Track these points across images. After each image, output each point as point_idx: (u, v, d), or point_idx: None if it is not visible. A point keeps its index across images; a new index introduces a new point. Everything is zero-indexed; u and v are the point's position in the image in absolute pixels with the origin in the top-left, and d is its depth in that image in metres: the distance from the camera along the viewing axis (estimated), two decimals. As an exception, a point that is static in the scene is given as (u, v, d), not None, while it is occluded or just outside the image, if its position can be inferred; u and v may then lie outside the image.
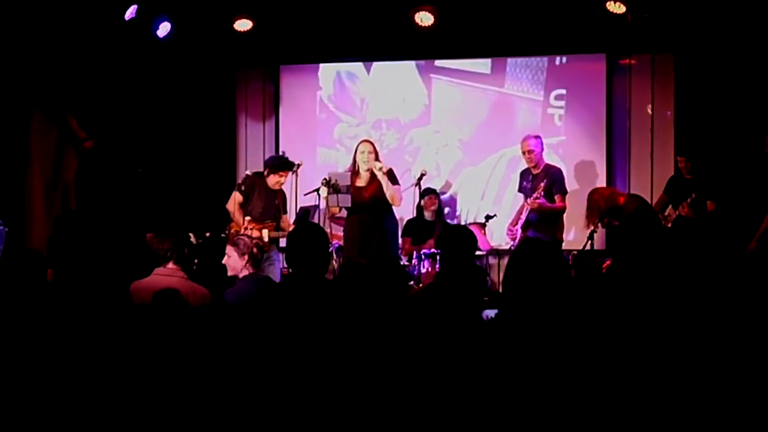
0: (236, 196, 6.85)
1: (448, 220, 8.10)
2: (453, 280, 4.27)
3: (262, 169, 7.03)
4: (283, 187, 6.91)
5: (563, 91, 8.06)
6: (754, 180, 6.65)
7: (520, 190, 7.09)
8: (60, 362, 2.94)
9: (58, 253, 6.30)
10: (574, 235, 7.53)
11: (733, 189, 6.56)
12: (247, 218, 6.79)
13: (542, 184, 6.66)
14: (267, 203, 6.86)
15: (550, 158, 7.21)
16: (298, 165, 6.99)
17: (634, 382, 2.63)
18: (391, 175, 6.66)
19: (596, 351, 2.70)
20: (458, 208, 8.38)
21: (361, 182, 6.71)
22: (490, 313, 3.29)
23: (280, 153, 7.11)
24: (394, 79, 8.50)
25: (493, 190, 8.19)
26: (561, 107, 8.08)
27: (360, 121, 8.55)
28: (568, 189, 6.99)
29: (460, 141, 8.34)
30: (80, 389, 2.83)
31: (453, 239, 4.46)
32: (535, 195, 6.65)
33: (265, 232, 6.71)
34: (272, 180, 6.84)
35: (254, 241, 5.31)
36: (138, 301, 4.46)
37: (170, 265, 4.74)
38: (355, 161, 6.76)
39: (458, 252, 4.40)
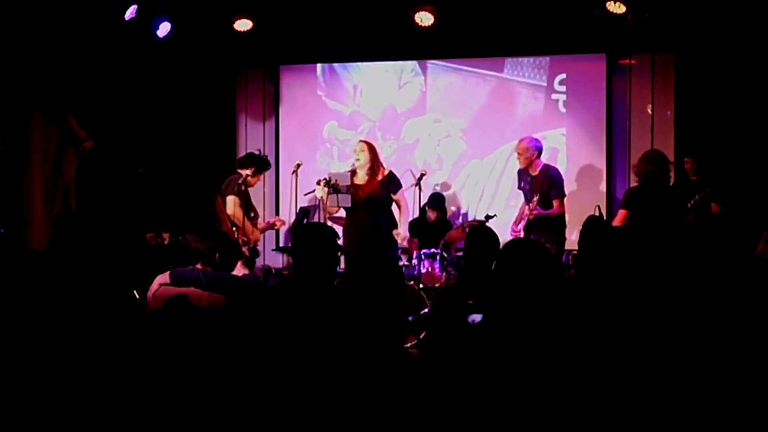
0: (236, 200, 6.82)
1: (455, 219, 8.09)
2: (475, 281, 4.25)
3: (240, 168, 7.09)
4: (281, 187, 7.02)
5: (564, 76, 8.05)
6: (756, 181, 6.65)
7: (519, 188, 7.07)
8: (60, 362, 2.94)
9: (59, 253, 6.30)
10: (576, 235, 7.52)
11: (737, 190, 6.55)
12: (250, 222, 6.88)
13: (536, 198, 6.60)
14: (250, 204, 7.03)
15: (552, 151, 7.19)
16: (298, 165, 7.01)
17: (625, 385, 2.63)
18: (392, 178, 6.67)
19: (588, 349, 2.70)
20: (464, 204, 8.32)
21: (358, 180, 6.70)
22: (476, 317, 3.28)
23: (257, 151, 7.26)
24: (388, 65, 8.46)
25: (508, 184, 8.05)
26: (565, 92, 8.05)
27: (353, 110, 8.52)
28: (567, 190, 6.97)
29: (462, 131, 8.27)
30: (80, 389, 2.83)
31: (476, 240, 4.44)
32: (530, 207, 6.61)
33: (257, 232, 6.88)
34: (255, 180, 7.08)
35: (243, 240, 5.34)
36: (162, 294, 4.54)
37: (198, 266, 4.87)
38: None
39: (481, 253, 4.38)
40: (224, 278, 4.80)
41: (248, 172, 6.99)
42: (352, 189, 6.64)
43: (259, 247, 8.31)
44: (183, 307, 3.66)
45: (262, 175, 7.20)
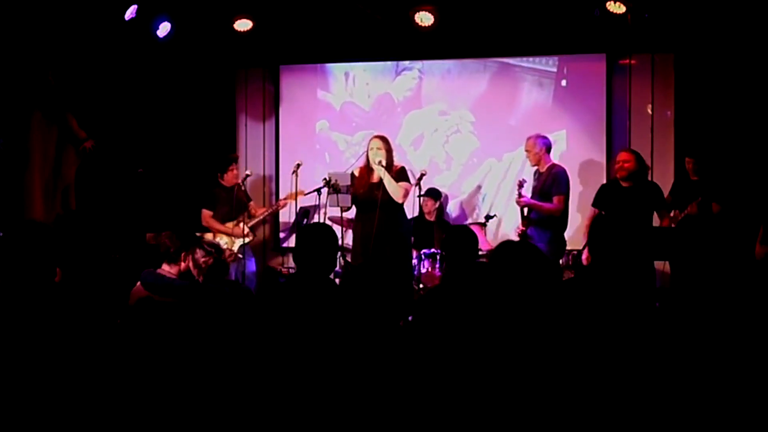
0: (205, 213, 7.35)
1: (463, 222, 8.07)
2: (459, 281, 4.26)
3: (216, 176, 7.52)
4: (281, 187, 7.05)
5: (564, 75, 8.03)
6: (756, 180, 6.65)
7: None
8: (59, 362, 2.94)
9: (58, 253, 6.29)
10: (575, 234, 7.52)
11: (737, 190, 6.55)
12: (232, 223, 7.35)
13: (520, 180, 6.64)
14: (231, 202, 7.29)
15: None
16: (298, 165, 7.02)
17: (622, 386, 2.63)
18: (401, 173, 6.38)
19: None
20: (474, 206, 8.22)
21: (374, 179, 6.40)
22: None
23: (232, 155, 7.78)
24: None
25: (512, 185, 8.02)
26: (566, 86, 8.01)
27: (346, 99, 8.49)
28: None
29: (473, 124, 8.17)
30: (79, 389, 2.83)
31: (456, 241, 4.45)
32: (516, 194, 6.63)
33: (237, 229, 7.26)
34: (229, 177, 7.43)
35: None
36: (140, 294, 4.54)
37: (164, 265, 4.84)
38: (368, 158, 6.43)
39: (461, 253, 4.39)
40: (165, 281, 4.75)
41: (219, 175, 7.46)
42: (367, 189, 6.39)
43: (259, 247, 8.36)
44: (149, 307, 3.62)
45: (234, 168, 7.51)
